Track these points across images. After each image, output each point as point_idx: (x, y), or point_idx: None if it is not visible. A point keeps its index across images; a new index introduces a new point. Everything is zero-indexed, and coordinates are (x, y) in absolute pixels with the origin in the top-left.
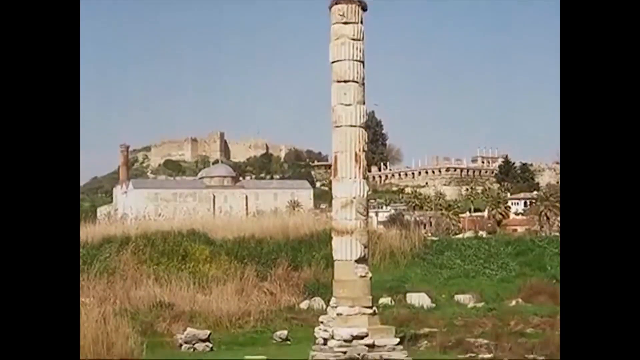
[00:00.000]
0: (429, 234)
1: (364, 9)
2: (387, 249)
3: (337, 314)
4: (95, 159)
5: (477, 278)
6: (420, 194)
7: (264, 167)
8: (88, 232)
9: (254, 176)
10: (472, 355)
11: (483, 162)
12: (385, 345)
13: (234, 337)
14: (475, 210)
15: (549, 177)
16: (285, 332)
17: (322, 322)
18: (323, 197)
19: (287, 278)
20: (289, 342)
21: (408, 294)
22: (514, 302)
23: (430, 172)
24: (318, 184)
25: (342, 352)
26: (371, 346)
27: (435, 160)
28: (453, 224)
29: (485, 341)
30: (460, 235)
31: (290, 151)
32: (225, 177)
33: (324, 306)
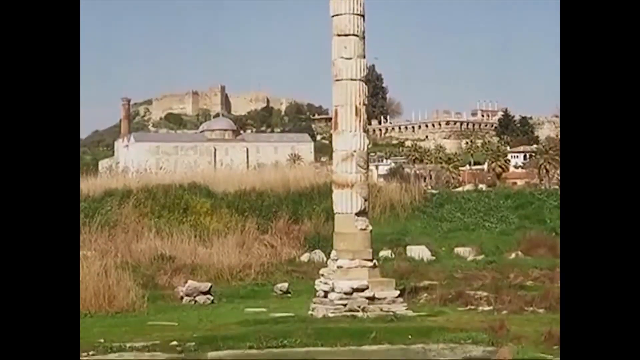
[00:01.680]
0: (429, 187)
1: None
2: (387, 202)
3: (338, 267)
4: (96, 113)
5: (477, 231)
6: (420, 147)
7: (264, 120)
8: (90, 186)
9: (254, 129)
10: (472, 307)
11: (483, 116)
12: (385, 298)
13: (235, 290)
14: (475, 163)
15: (548, 130)
16: (286, 284)
17: (322, 275)
18: (323, 150)
19: (287, 231)
20: (289, 295)
21: (408, 247)
22: (513, 255)
23: (430, 125)
24: (318, 138)
25: (342, 304)
26: (371, 299)
27: (435, 114)
28: (453, 177)
29: (485, 294)
30: (460, 189)
31: (290, 104)
32: (226, 130)
33: (325, 259)
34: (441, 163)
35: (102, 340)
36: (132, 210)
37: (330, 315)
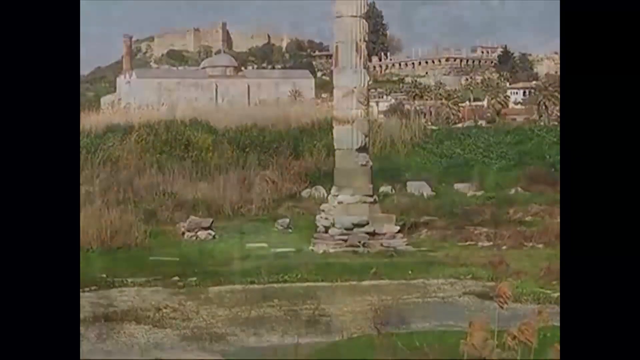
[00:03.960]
0: (429, 123)
1: None
2: (387, 138)
3: (338, 203)
4: (98, 49)
5: (477, 167)
6: (420, 84)
7: (265, 57)
8: (92, 121)
9: (255, 66)
10: (472, 243)
11: (482, 52)
12: (385, 233)
13: (236, 226)
14: (475, 99)
15: (547, 67)
16: (287, 220)
17: (323, 211)
18: (324, 86)
19: (288, 167)
20: (290, 230)
21: (408, 183)
22: (513, 191)
23: (430, 62)
24: (319, 74)
25: (343, 239)
26: (372, 234)
27: (435, 50)
28: (453, 113)
29: (485, 229)
30: (459, 125)
31: (291, 41)
32: (227, 66)
33: (325, 194)
34: (441, 99)
35: (104, 275)
36: (134, 146)
37: (331, 250)
